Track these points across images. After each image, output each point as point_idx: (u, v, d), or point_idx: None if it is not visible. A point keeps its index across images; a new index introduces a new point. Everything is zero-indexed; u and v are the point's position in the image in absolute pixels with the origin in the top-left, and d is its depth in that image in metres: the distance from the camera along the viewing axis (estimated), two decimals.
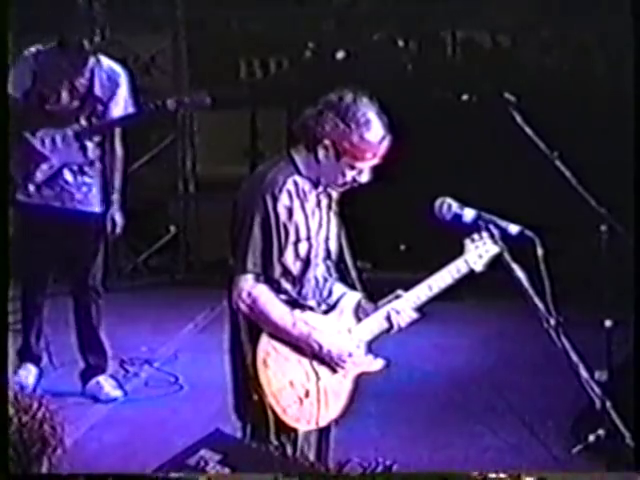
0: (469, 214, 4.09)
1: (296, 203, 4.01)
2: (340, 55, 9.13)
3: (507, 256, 4.05)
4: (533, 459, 5.31)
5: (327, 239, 4.13)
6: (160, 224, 10.07)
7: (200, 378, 6.49)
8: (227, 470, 3.55)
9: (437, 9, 9.36)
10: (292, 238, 4.01)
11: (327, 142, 3.98)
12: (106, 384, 6.35)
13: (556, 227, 6.35)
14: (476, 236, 4.13)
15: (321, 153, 4.00)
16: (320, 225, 4.10)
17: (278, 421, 3.98)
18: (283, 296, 4.02)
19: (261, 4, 9.59)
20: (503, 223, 4.07)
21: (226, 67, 9.87)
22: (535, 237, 3.97)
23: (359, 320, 4.11)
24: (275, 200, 3.96)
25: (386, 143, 4.02)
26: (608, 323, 5.54)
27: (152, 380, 6.71)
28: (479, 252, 4.12)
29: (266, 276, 3.99)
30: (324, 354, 4.01)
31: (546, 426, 5.63)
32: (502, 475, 4.38)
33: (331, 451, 4.28)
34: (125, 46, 8.90)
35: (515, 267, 3.99)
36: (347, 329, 4.08)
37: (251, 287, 3.96)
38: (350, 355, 4.05)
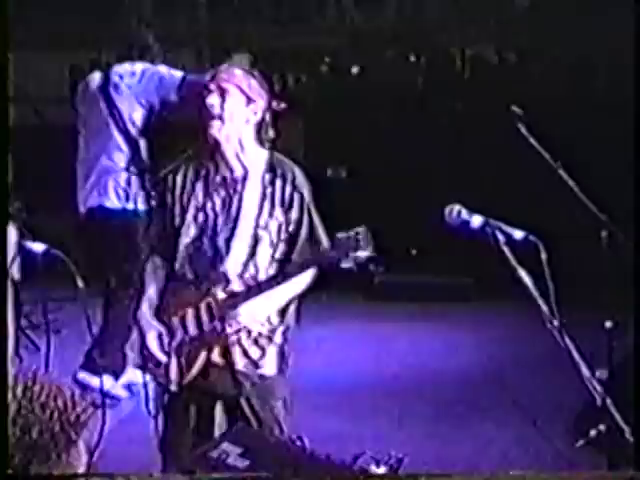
0: (477, 220, 4.13)
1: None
2: (355, 70, 9.33)
3: (513, 260, 4.04)
4: (538, 454, 5.40)
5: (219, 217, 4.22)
6: None
7: None
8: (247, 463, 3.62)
9: (447, 27, 9.58)
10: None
11: None
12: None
13: (560, 233, 6.50)
14: None
15: None
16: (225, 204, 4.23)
17: None
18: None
19: (277, 19, 9.81)
20: (509, 229, 4.10)
21: None
22: (539, 242, 3.99)
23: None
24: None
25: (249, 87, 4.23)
26: (608, 324, 5.61)
27: None
28: None
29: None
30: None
31: (550, 422, 5.69)
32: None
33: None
34: None
35: (520, 271, 4.00)
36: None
37: None
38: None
